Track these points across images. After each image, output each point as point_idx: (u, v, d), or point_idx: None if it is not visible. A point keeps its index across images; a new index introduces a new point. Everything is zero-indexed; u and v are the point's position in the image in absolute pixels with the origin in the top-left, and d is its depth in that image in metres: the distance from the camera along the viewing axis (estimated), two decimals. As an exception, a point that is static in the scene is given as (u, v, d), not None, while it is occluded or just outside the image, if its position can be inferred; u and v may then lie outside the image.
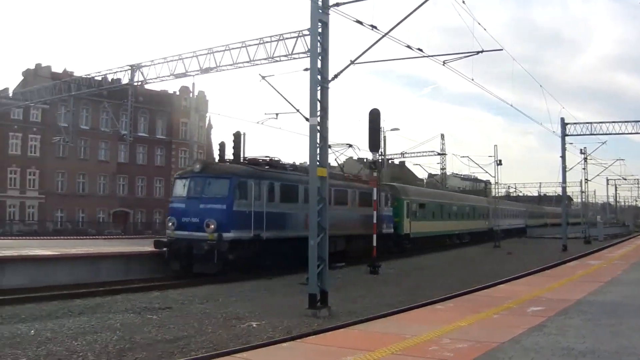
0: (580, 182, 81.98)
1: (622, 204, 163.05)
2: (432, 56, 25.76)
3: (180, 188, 30.95)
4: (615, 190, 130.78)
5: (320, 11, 19.41)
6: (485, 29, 28.10)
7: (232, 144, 36.34)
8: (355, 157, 55.66)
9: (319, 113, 19.31)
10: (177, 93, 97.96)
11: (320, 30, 19.52)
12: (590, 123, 57.26)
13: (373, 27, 22.72)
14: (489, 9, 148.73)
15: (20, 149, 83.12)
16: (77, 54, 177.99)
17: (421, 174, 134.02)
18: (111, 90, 58.59)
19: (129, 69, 41.67)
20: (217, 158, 36.11)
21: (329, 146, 34.84)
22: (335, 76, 21.02)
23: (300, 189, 33.39)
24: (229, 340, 14.48)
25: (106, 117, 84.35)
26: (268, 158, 35.14)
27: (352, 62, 22.61)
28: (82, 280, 25.59)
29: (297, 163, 38.85)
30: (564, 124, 57.05)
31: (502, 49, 26.92)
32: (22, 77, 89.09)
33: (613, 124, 56.46)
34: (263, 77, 32.85)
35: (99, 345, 13.83)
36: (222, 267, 27.88)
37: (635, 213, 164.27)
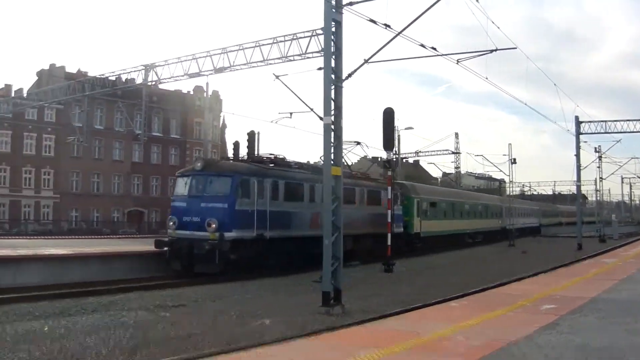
0: (595, 180, 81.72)
1: (637, 202, 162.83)
2: (446, 55, 25.73)
3: (182, 186, 30.61)
4: (630, 188, 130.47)
5: (334, 10, 19.41)
6: (498, 28, 28.08)
7: (247, 143, 36.41)
8: (363, 155, 55.02)
9: (332, 112, 19.33)
10: (191, 93, 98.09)
11: (333, 29, 19.54)
12: (605, 121, 57.05)
13: (386, 26, 22.71)
14: (502, 7, 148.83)
15: (35, 149, 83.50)
16: (91, 54, 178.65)
17: (435, 173, 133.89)
18: (125, 90, 58.63)
19: (142, 69, 41.78)
20: (231, 158, 35.87)
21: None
22: (349, 75, 21.00)
23: (305, 187, 33.30)
24: (242, 337, 14.45)
25: (120, 117, 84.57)
26: (272, 156, 34.87)
27: (366, 61, 22.58)
28: (95, 279, 25.70)
29: (312, 162, 38.53)
30: (578, 123, 56.82)
31: (515, 48, 26.82)
32: (36, 77, 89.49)
33: (628, 122, 56.29)
34: (277, 77, 32.74)
35: (112, 341, 13.84)
36: (224, 268, 27.49)
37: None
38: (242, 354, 10.84)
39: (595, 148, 69.43)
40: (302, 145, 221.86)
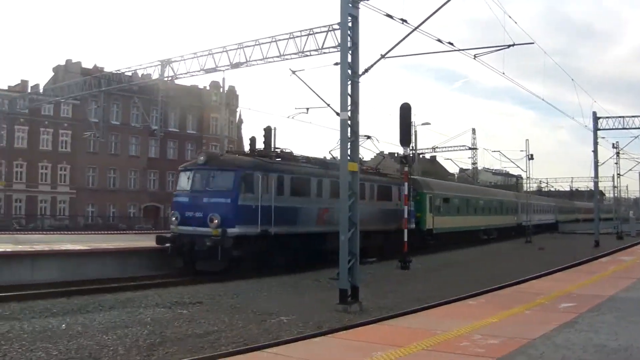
0: (613, 176, 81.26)
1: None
2: (463, 50, 25.58)
3: (185, 181, 29.84)
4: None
5: (350, 5, 19.35)
6: (516, 22, 27.99)
7: (263, 139, 36.31)
8: (379, 151, 54.70)
9: (349, 107, 19.28)
10: (208, 88, 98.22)
11: (350, 24, 19.50)
12: (623, 117, 56.59)
13: (403, 20, 22.61)
14: (519, 1, 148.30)
15: (51, 144, 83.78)
16: (107, 50, 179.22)
17: (452, 169, 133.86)
18: (141, 86, 58.67)
19: (159, 65, 41.87)
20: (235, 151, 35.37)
21: None
22: (366, 70, 20.93)
23: (312, 182, 32.71)
24: (259, 335, 14.48)
25: (136, 113, 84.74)
26: (279, 150, 34.60)
27: (383, 56, 22.49)
28: (112, 275, 25.69)
29: (328, 158, 38.14)
30: (596, 118, 56.42)
31: (533, 42, 26.75)
32: (53, 73, 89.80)
33: (646, 117, 55.95)
34: (293, 72, 32.48)
35: (130, 339, 13.86)
36: (227, 265, 27.02)
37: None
38: (259, 353, 10.75)
39: (613, 144, 68.86)
40: (319, 140, 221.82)
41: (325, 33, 30.93)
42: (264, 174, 29.13)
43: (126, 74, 48.96)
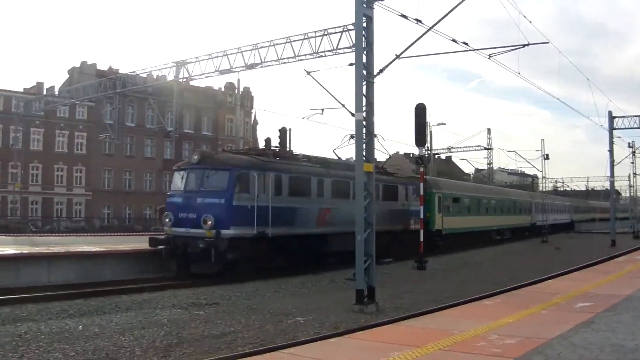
0: (629, 176, 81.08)
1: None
2: (478, 50, 25.54)
3: (178, 181, 28.74)
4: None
5: (365, 5, 19.34)
6: (530, 22, 27.95)
7: (278, 140, 36.37)
8: (395, 151, 54.46)
9: (364, 108, 19.26)
10: (222, 89, 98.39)
11: (364, 24, 19.48)
12: (639, 116, 56.46)
13: (418, 21, 22.58)
14: (534, 1, 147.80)
15: (66, 146, 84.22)
16: (122, 52, 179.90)
17: (468, 169, 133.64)
18: (156, 87, 58.84)
19: (173, 66, 42.04)
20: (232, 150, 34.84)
21: (352, 137, 34.52)
22: (381, 71, 20.90)
23: (312, 181, 31.54)
24: (275, 335, 14.48)
25: (152, 114, 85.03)
26: (277, 148, 34.16)
27: (398, 57, 22.44)
28: (129, 277, 25.73)
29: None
30: (611, 117, 56.19)
31: (548, 42, 26.69)
32: (68, 75, 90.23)
33: (662, 116, 55.75)
34: (308, 73, 32.50)
35: (146, 340, 13.89)
36: (221, 268, 26.34)
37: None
38: (276, 354, 10.76)
39: (629, 143, 68.59)
40: (335, 141, 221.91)
41: (340, 33, 30.97)
42: (260, 173, 27.94)
43: (141, 75, 49.24)
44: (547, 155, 70.85)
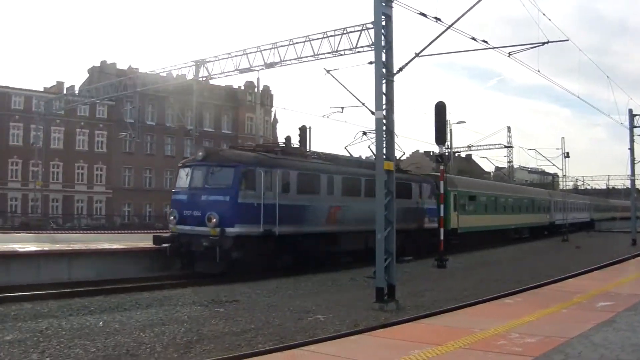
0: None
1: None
2: (497, 48, 25.45)
3: (183, 178, 28.23)
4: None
5: (384, 4, 19.31)
6: (550, 20, 27.85)
7: (298, 138, 36.36)
8: (415, 149, 54.17)
9: (384, 106, 19.23)
10: (242, 88, 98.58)
11: (384, 23, 19.43)
12: (660, 114, 56.14)
13: (437, 19, 22.55)
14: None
15: (87, 145, 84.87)
16: (142, 51, 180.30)
17: (488, 167, 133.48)
18: (176, 86, 59.02)
19: (193, 65, 42.21)
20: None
21: (365, 133, 34.28)
22: (400, 69, 20.83)
23: (322, 178, 30.67)
24: (296, 333, 14.48)
25: (171, 113, 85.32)
26: (284, 144, 33.78)
27: (417, 55, 22.37)
28: (149, 274, 25.79)
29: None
30: (632, 115, 55.81)
31: (567, 40, 26.57)
32: (88, 75, 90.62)
33: (683, 114, 55.41)
34: (328, 71, 32.38)
35: (167, 337, 13.93)
36: (227, 267, 25.44)
37: None
38: (296, 351, 10.77)
39: (650, 141, 68.25)
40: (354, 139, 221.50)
41: (359, 32, 31.06)
42: (267, 170, 27.16)
43: (161, 74, 49.42)
44: (568, 153, 70.74)
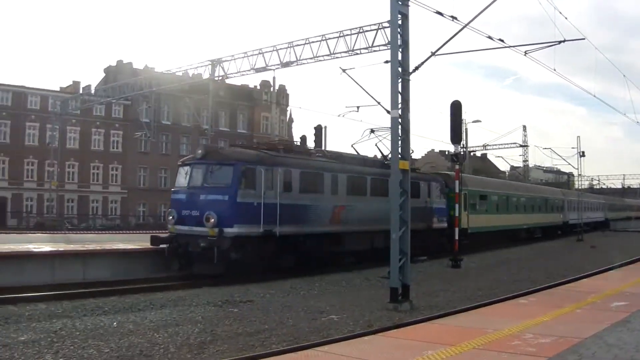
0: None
1: None
2: (513, 46, 25.42)
3: (182, 177, 27.49)
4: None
5: (400, 3, 19.28)
6: (566, 18, 27.75)
7: (314, 137, 36.32)
8: (430, 149, 54.03)
9: (400, 105, 19.18)
10: (258, 87, 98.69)
11: (400, 22, 19.40)
12: (676, 113, 55.97)
13: (453, 18, 22.55)
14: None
15: (102, 144, 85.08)
16: (158, 51, 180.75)
17: (503, 167, 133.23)
18: (192, 85, 59.11)
19: (209, 64, 42.30)
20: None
21: (372, 131, 34.09)
22: (416, 68, 20.82)
23: (326, 177, 29.85)
24: (309, 333, 14.47)
25: (187, 112, 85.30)
26: (287, 142, 33.37)
27: (433, 54, 22.37)
28: (163, 274, 25.76)
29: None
30: (647, 114, 55.80)
31: (584, 38, 26.49)
32: (104, 74, 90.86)
33: (700, 113, 55.22)
34: (343, 70, 32.45)
35: (181, 337, 13.95)
36: (225, 268, 24.64)
37: None
38: (310, 351, 10.74)
39: (666, 140, 68.05)
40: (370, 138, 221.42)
41: (375, 31, 31.05)
42: (267, 168, 26.40)
43: (177, 74, 49.50)
44: (583, 152, 70.38)
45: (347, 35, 33.11)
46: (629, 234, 74.74)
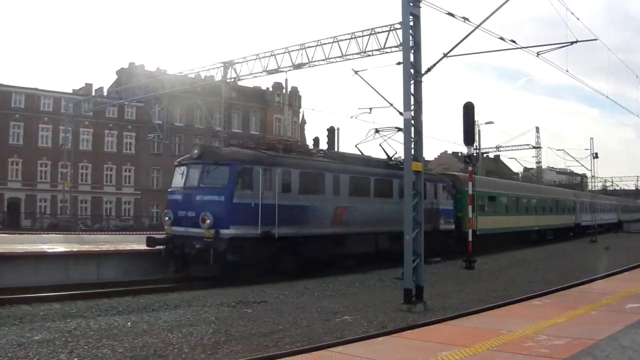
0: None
1: None
2: (526, 47, 25.35)
3: (178, 177, 26.93)
4: None
5: (412, 4, 19.29)
6: (578, 19, 27.73)
7: (326, 139, 36.30)
8: (443, 150, 53.91)
9: (412, 107, 19.18)
10: (270, 89, 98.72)
11: (412, 23, 19.41)
12: (689, 115, 55.65)
13: (465, 19, 22.54)
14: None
15: (115, 146, 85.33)
16: (170, 53, 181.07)
17: (516, 168, 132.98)
18: (204, 87, 59.18)
19: (221, 66, 42.36)
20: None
21: (377, 130, 33.96)
22: (429, 69, 20.80)
23: (327, 177, 29.32)
24: (323, 334, 14.48)
25: (200, 114, 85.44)
26: (287, 142, 33.13)
27: (445, 55, 22.32)
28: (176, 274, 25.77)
29: (356, 152, 36.46)
30: (661, 116, 55.47)
31: (596, 39, 26.41)
32: (116, 76, 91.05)
33: None
34: (356, 72, 32.35)
35: (195, 337, 13.97)
36: (221, 270, 24.12)
37: None
38: (323, 352, 10.76)
39: (680, 142, 67.81)
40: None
41: (387, 33, 31.05)
42: (265, 169, 25.95)
43: (189, 76, 49.65)
44: (596, 153, 70.16)
45: (359, 36, 33.14)
46: (641, 235, 74.43)
